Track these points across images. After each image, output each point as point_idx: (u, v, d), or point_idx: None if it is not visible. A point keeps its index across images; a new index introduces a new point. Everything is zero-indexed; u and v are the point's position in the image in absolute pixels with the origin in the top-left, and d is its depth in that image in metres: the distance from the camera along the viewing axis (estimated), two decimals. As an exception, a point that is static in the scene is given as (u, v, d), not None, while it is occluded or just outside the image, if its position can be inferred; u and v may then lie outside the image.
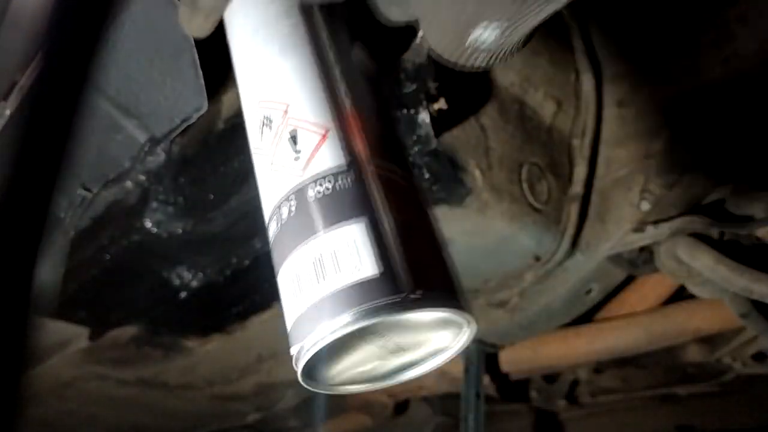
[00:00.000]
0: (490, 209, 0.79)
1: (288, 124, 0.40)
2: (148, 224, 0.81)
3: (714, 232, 0.87)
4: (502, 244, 0.86)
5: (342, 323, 0.34)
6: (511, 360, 1.24)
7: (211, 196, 0.79)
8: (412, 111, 0.70)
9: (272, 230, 0.39)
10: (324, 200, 0.37)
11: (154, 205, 0.80)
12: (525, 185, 0.82)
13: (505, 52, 0.43)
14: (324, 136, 0.39)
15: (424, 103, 0.64)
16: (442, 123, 0.73)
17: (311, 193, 0.38)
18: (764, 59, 0.80)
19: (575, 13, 0.89)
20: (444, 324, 0.37)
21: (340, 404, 1.55)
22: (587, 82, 0.90)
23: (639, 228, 0.87)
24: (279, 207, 0.39)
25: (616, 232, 0.88)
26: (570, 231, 0.87)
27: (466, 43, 0.42)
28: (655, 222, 0.86)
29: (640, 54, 0.89)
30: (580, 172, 0.89)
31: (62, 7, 0.35)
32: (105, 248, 0.87)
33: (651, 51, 0.88)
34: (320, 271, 0.35)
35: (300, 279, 0.36)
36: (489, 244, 0.86)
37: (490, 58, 0.43)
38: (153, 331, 1.11)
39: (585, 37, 0.91)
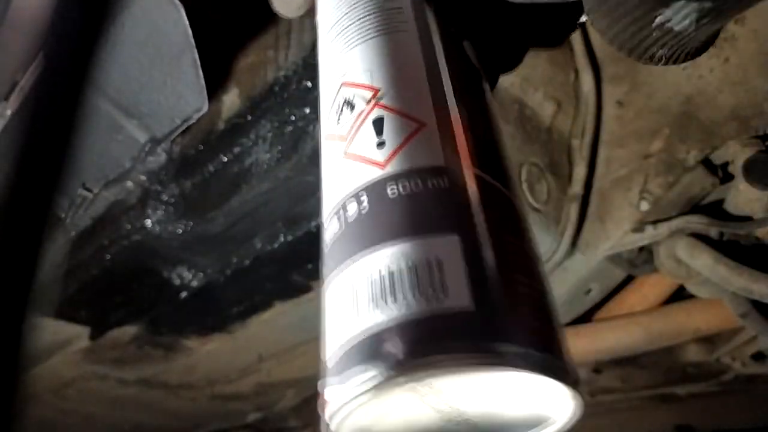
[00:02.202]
0: (489, 209, 0.79)
1: (375, 109, 0.33)
2: (149, 224, 0.81)
3: (713, 232, 0.87)
4: (502, 244, 0.86)
5: (413, 367, 0.25)
6: (511, 360, 1.24)
7: (212, 196, 0.79)
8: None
9: (331, 231, 0.31)
10: (409, 202, 0.29)
11: (155, 205, 0.80)
12: (524, 185, 0.82)
13: (692, 48, 0.35)
14: (418, 129, 0.32)
15: None
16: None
17: (392, 190, 0.30)
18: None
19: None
20: (532, 397, 0.28)
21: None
22: (587, 82, 0.90)
23: (638, 228, 0.87)
24: (345, 203, 0.31)
25: (616, 232, 0.88)
26: (569, 231, 0.87)
27: (653, 26, 0.33)
28: (655, 222, 0.87)
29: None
30: (580, 172, 0.89)
31: (62, 7, 0.35)
32: (105, 248, 0.87)
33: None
34: (390, 290, 0.27)
35: (359, 297, 0.27)
36: (488, 244, 0.86)
37: (676, 51, 0.35)
38: (153, 331, 1.11)
39: (585, 37, 0.91)
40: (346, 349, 0.27)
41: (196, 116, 0.65)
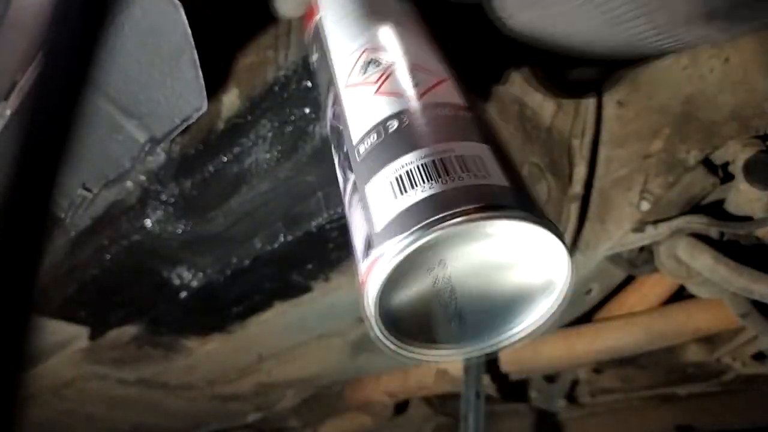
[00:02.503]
0: (489, 209, 0.79)
1: (403, 64, 0.43)
2: (148, 224, 0.81)
3: (714, 232, 0.87)
4: (502, 244, 0.86)
5: (476, 213, 0.33)
6: (511, 360, 1.24)
7: (211, 196, 0.79)
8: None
9: (369, 143, 0.40)
10: (449, 120, 0.39)
11: (155, 205, 0.80)
12: (525, 185, 0.82)
13: None
14: (442, 81, 0.42)
15: None
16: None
17: (433, 113, 0.39)
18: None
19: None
20: (531, 267, 0.37)
21: (340, 404, 1.55)
22: (587, 82, 0.90)
23: (639, 228, 0.87)
24: (386, 122, 0.40)
25: (616, 232, 0.88)
26: (570, 231, 0.87)
27: None
28: (655, 222, 0.87)
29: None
30: (580, 172, 0.89)
31: (62, 7, 0.35)
32: (105, 248, 0.87)
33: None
34: (440, 173, 0.35)
35: (415, 177, 0.36)
36: (489, 244, 0.86)
37: None
38: (153, 331, 1.11)
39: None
40: (404, 209, 0.35)
41: (195, 116, 0.65)
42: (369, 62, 0.44)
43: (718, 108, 0.83)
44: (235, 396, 1.43)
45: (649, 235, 0.87)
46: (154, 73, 0.64)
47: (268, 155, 0.73)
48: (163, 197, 0.79)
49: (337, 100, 0.45)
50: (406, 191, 0.35)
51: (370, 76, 0.43)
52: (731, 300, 0.94)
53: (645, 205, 0.86)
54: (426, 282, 0.36)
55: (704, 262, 0.85)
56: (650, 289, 1.13)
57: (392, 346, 0.38)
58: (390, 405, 1.49)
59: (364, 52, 0.45)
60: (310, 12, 0.55)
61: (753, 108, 0.81)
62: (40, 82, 0.33)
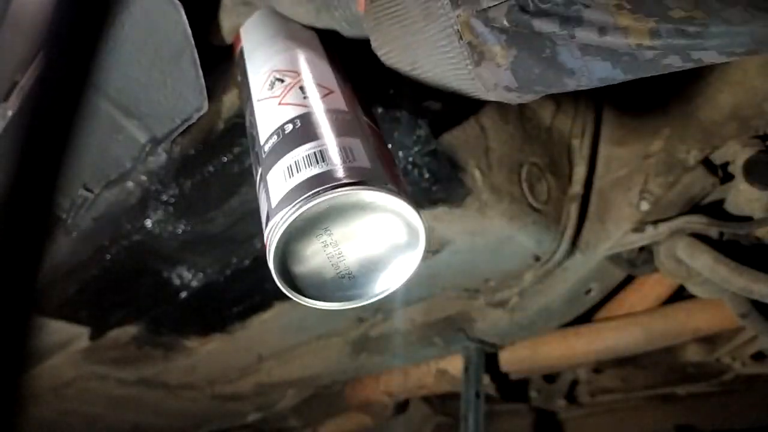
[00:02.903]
0: (489, 209, 0.79)
1: (300, 80, 0.54)
2: (149, 224, 0.81)
3: (713, 232, 0.87)
4: (502, 244, 0.86)
5: (348, 187, 0.43)
6: (511, 360, 1.24)
7: (212, 196, 0.79)
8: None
9: (271, 142, 0.50)
10: (330, 122, 0.49)
11: (155, 205, 0.80)
12: (525, 185, 0.82)
13: None
14: (330, 92, 0.53)
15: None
16: (440, 123, 0.73)
17: (318, 117, 0.50)
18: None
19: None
20: (395, 231, 0.47)
21: (340, 404, 1.55)
22: (587, 83, 0.89)
23: (638, 228, 0.87)
24: (283, 126, 0.50)
25: (616, 232, 0.88)
26: (569, 231, 0.87)
27: None
28: (655, 222, 0.87)
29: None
30: (580, 172, 0.89)
31: (62, 7, 0.35)
32: (106, 248, 0.87)
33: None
34: (322, 158, 0.46)
35: (300, 164, 0.46)
36: (489, 244, 0.86)
37: None
38: (153, 330, 1.12)
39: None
40: (292, 188, 0.45)
41: (196, 116, 0.65)
42: (275, 80, 0.55)
43: (718, 108, 0.83)
44: (235, 396, 1.43)
45: (649, 235, 0.87)
46: (154, 73, 0.64)
47: (268, 155, 0.73)
48: (164, 197, 0.79)
49: (251, 112, 0.55)
50: (293, 175, 0.46)
51: (275, 91, 0.54)
52: (731, 300, 0.94)
53: (645, 205, 0.86)
54: (317, 246, 0.46)
55: (704, 262, 0.85)
56: (650, 289, 1.13)
57: (298, 300, 0.46)
58: (390, 405, 1.49)
59: (272, 73, 0.56)
60: (237, 41, 0.65)
61: (753, 108, 0.81)
62: (40, 82, 0.33)
